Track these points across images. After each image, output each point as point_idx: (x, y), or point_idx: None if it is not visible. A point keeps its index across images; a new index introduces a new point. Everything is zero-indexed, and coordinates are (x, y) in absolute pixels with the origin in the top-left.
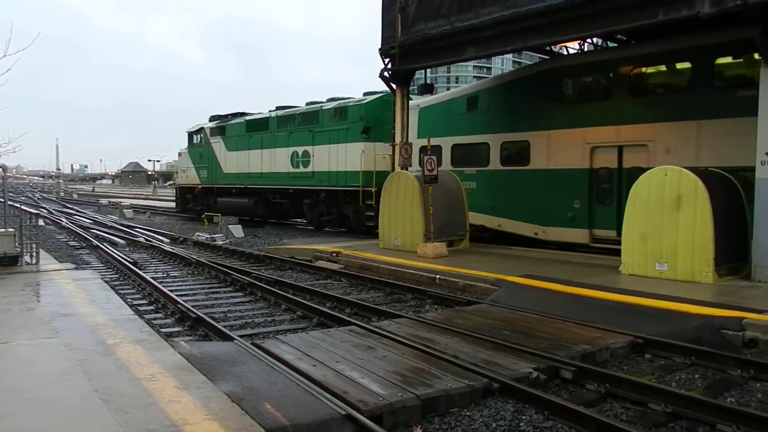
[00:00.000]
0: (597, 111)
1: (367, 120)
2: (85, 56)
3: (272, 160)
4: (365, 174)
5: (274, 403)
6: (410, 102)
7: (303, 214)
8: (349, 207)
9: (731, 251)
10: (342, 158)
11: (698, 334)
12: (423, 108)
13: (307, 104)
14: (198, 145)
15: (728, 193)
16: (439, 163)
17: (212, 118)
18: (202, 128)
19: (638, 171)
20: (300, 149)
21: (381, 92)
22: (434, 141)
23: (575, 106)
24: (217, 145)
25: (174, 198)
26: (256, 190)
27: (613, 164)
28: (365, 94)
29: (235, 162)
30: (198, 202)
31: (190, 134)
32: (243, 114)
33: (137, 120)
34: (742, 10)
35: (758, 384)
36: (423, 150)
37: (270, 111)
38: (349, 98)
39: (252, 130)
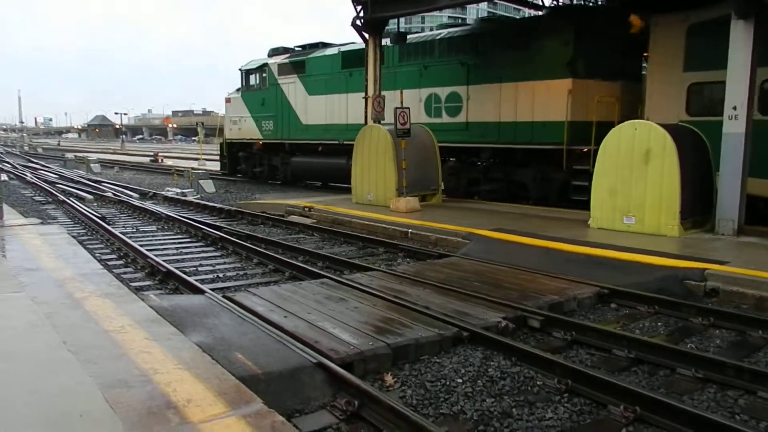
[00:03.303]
0: None
1: (576, 45)
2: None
3: (389, 108)
4: (573, 126)
5: (246, 353)
6: (664, 17)
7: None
8: (528, 172)
9: (697, 205)
10: (526, 102)
11: (662, 284)
12: (695, 24)
13: (441, 27)
14: (258, 87)
15: (696, 147)
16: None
17: (275, 52)
18: (265, 64)
19: None
20: (443, 91)
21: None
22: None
23: None
24: (292, 86)
25: (218, 157)
26: None
27: None
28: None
29: (323, 109)
30: (256, 162)
31: (246, 73)
32: (327, 45)
33: (99, 72)
34: None
35: (717, 331)
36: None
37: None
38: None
39: (353, 65)
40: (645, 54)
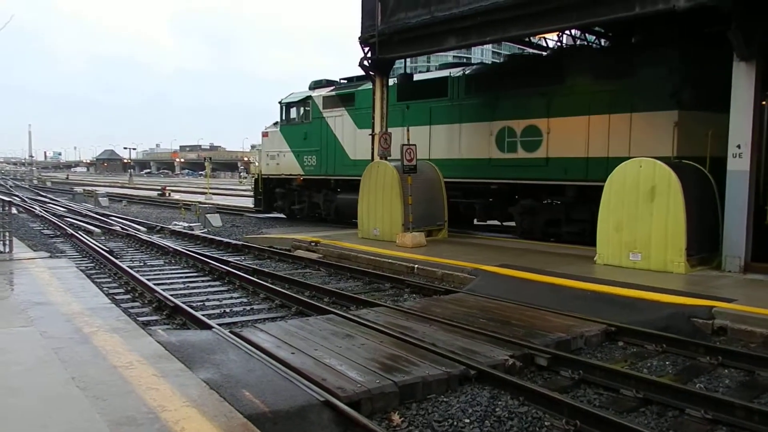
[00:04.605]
0: None
1: (683, 73)
2: (52, 41)
3: (452, 143)
4: None
5: (253, 390)
6: None
7: (499, 218)
8: None
9: (703, 242)
10: (622, 136)
11: (669, 322)
12: None
13: (512, 57)
14: (300, 121)
15: (701, 184)
16: None
17: (317, 84)
18: (308, 97)
19: None
20: (519, 124)
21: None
22: None
23: None
24: (338, 120)
25: (252, 192)
26: None
27: None
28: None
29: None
30: (295, 198)
31: (286, 106)
32: None
33: (111, 107)
34: (717, 5)
35: (726, 370)
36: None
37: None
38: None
39: (409, 98)
40: None
